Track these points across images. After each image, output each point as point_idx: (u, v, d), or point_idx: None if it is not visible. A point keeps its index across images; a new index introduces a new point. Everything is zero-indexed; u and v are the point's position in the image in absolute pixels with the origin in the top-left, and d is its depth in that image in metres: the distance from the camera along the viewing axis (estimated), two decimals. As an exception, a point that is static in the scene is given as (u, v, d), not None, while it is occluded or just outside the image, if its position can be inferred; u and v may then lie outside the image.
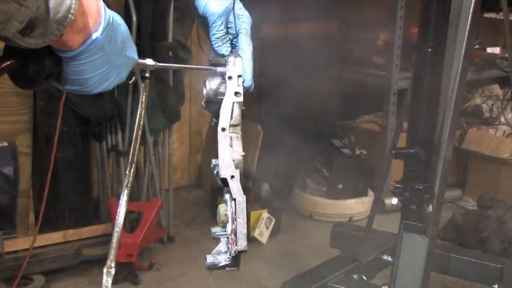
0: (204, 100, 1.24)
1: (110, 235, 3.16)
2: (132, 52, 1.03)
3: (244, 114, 1.26)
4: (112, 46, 0.96)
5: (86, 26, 0.91)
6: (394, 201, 2.01)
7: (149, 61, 1.11)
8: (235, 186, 1.15)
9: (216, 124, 1.21)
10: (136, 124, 1.15)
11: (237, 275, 3.04)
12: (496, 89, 4.67)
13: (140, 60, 1.08)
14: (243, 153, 1.17)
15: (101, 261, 3.10)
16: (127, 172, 1.13)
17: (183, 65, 1.13)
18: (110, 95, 3.14)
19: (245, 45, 1.21)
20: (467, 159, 4.18)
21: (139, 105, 1.13)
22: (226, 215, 1.17)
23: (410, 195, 1.92)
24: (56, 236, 3.15)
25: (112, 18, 0.97)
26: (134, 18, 3.07)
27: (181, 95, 3.35)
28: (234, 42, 1.23)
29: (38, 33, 0.85)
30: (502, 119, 4.52)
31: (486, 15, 4.56)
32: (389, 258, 2.55)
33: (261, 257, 3.29)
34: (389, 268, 2.26)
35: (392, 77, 3.87)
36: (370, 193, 3.88)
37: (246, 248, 1.16)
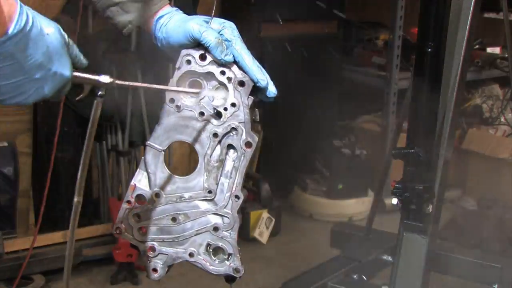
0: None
1: (110, 235, 3.16)
2: (61, 67, 0.94)
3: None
4: (26, 56, 0.89)
5: None
6: (394, 201, 2.01)
7: (104, 78, 1.00)
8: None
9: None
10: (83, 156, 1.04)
11: (237, 275, 3.04)
12: (496, 89, 4.67)
13: (88, 76, 0.99)
14: None
15: (101, 261, 3.10)
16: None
17: (153, 85, 1.06)
18: (110, 95, 3.14)
19: (244, 51, 1.14)
20: (467, 159, 4.18)
21: (88, 130, 1.03)
22: None
23: (410, 195, 1.92)
24: (56, 236, 3.15)
25: (32, 26, 0.89)
26: (134, 18, 3.07)
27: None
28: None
29: None
30: (502, 119, 4.52)
31: (486, 15, 4.56)
32: (389, 258, 2.55)
33: (261, 257, 3.29)
34: (389, 268, 2.26)
35: (392, 77, 3.87)
36: (370, 193, 3.88)
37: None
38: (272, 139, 3.91)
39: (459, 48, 1.97)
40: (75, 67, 0.99)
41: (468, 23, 1.97)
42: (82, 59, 1.00)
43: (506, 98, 4.61)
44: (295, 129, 4.01)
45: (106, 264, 3.09)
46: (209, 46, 1.11)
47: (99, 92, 1.01)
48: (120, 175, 3.32)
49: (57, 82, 0.94)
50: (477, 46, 4.34)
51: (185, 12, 1.24)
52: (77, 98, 1.01)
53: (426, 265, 1.99)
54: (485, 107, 4.56)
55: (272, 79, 1.18)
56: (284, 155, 3.99)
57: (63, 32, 0.95)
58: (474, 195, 4.00)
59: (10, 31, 0.86)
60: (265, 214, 3.46)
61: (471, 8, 1.97)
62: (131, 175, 3.35)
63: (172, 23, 1.19)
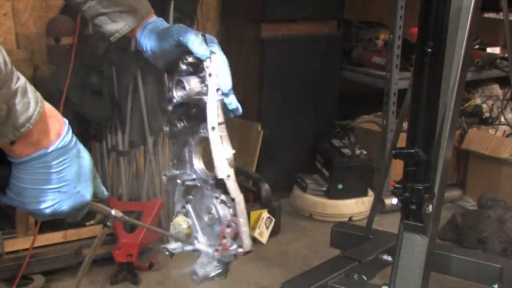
0: (175, 102, 1.20)
1: (110, 235, 3.16)
2: (85, 189, 1.01)
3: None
4: (61, 170, 0.97)
5: (39, 143, 0.94)
6: (394, 201, 2.01)
7: (116, 212, 1.10)
8: (231, 185, 1.13)
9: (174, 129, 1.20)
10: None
11: (237, 275, 3.04)
12: (496, 89, 4.68)
13: (104, 207, 1.08)
14: (234, 151, 1.16)
15: (101, 261, 3.10)
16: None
17: (142, 222, 1.23)
18: (110, 95, 3.14)
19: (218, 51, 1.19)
20: (467, 159, 4.18)
21: (87, 259, 1.13)
22: (189, 227, 1.19)
23: (410, 195, 1.92)
24: (56, 236, 3.15)
25: (74, 146, 0.98)
26: (134, 18, 3.07)
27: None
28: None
29: None
30: (502, 119, 4.52)
31: (486, 15, 4.57)
32: (389, 258, 2.54)
33: (261, 257, 3.29)
34: (389, 268, 2.26)
35: (392, 77, 3.87)
36: (370, 193, 3.88)
37: (252, 248, 1.15)
38: (272, 139, 3.91)
39: (459, 48, 1.97)
40: (96, 196, 1.08)
41: (468, 23, 1.97)
42: (104, 191, 1.09)
43: (506, 98, 4.62)
44: (295, 129, 4.01)
45: (106, 264, 3.09)
46: (189, 42, 1.17)
47: (108, 223, 1.12)
48: (120, 175, 3.32)
49: (76, 202, 1.01)
50: (477, 46, 4.34)
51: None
52: (87, 224, 1.11)
53: (426, 265, 1.99)
54: (485, 107, 4.57)
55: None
56: (284, 155, 3.99)
57: (93, 164, 1.04)
58: (474, 195, 4.00)
59: (55, 145, 0.96)
60: (265, 214, 3.46)
61: (471, 8, 1.97)
62: (131, 175, 3.35)
63: (156, 32, 1.27)
